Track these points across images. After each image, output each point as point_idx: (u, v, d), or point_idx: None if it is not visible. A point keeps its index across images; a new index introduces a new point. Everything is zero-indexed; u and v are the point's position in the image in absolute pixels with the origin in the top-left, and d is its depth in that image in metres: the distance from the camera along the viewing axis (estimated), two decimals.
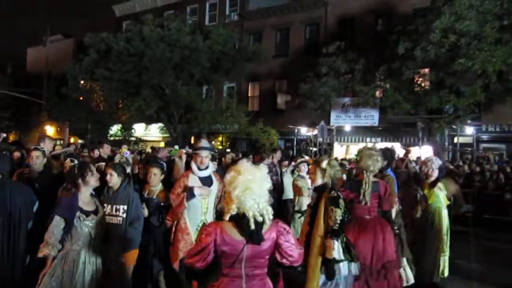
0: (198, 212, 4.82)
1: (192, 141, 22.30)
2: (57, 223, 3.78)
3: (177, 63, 19.43)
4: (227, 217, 2.72)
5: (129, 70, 19.45)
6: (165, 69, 19.25)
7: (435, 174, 6.07)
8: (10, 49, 40.69)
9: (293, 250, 2.77)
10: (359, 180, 4.96)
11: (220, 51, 19.87)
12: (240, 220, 2.66)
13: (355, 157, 5.21)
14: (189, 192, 4.73)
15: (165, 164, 5.82)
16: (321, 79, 18.33)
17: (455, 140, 18.28)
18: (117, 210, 4.54)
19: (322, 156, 5.31)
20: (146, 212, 5.00)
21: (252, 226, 2.63)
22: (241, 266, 2.68)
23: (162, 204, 5.16)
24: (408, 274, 5.13)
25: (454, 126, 17.39)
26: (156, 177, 5.25)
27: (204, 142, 5.07)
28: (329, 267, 4.22)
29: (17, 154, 7.17)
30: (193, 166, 4.92)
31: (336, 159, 15.40)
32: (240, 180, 2.66)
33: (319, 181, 4.65)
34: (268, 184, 2.76)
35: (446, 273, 5.92)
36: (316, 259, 4.34)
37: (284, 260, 2.78)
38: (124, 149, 8.32)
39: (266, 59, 21.88)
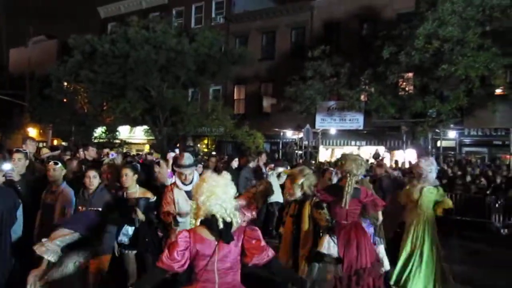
0: (187, 223, 4.80)
1: (178, 144, 22.20)
2: (75, 237, 3.80)
3: (163, 66, 19.33)
4: (198, 223, 2.92)
5: (114, 72, 19.27)
6: (150, 71, 19.14)
7: (431, 176, 5.98)
8: None
9: (258, 250, 2.87)
10: (340, 185, 5.01)
11: (206, 54, 19.82)
12: (209, 221, 2.81)
13: (339, 161, 5.25)
14: (174, 220, 4.73)
15: (138, 165, 5.75)
16: (306, 82, 18.43)
17: (438, 143, 18.50)
18: None
19: (295, 169, 5.46)
20: (141, 216, 4.91)
21: (221, 225, 2.78)
22: (214, 268, 2.79)
23: (150, 200, 5.11)
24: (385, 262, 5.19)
25: (437, 130, 17.62)
26: (128, 177, 5.04)
27: (187, 158, 4.96)
28: (318, 259, 4.52)
29: None
30: (178, 182, 4.94)
31: (322, 163, 15.48)
32: (204, 187, 2.82)
33: (298, 194, 4.87)
34: (232, 191, 2.91)
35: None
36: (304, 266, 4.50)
37: (250, 264, 2.89)
38: (107, 151, 8.26)
39: (252, 62, 21.89)
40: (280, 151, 22.24)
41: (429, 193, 5.88)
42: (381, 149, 19.34)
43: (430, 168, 5.94)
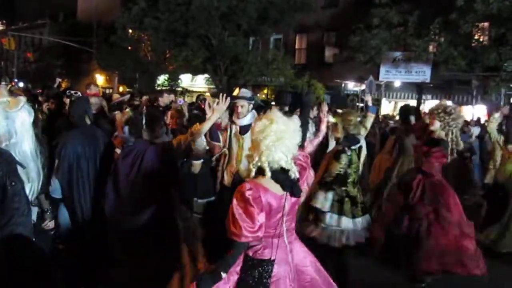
0: (232, 160, 4.80)
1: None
2: None
3: (224, 13, 19.19)
4: (253, 172, 2.59)
5: (176, 19, 19.43)
6: (212, 18, 19.08)
7: None
8: None
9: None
10: (438, 139, 4.81)
11: (268, 1, 19.41)
12: (280, 174, 2.57)
13: (437, 112, 4.93)
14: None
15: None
16: (372, 31, 17.61)
17: None
18: None
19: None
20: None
21: (293, 179, 2.61)
22: (283, 221, 2.64)
23: None
24: None
25: (511, 85, 16.47)
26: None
27: (243, 91, 4.93)
28: (316, 214, 4.51)
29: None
30: (234, 116, 4.87)
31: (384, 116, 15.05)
32: (273, 129, 2.51)
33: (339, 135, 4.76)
34: (298, 139, 2.65)
35: None
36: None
37: None
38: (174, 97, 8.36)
39: (315, 10, 21.19)
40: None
41: None
42: (448, 104, 18.46)
43: None
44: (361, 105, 18.92)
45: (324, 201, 4.38)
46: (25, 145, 2.50)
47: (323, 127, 5.06)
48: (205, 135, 4.42)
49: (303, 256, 2.83)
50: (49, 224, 3.64)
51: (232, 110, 5.05)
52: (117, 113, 5.60)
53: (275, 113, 2.62)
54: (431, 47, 17.54)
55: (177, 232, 4.03)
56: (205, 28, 19.57)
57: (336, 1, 23.47)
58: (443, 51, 16.27)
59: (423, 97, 19.81)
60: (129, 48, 24.56)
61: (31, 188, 2.52)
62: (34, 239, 2.30)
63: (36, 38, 38.92)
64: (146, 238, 3.77)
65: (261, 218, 2.47)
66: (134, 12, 20.65)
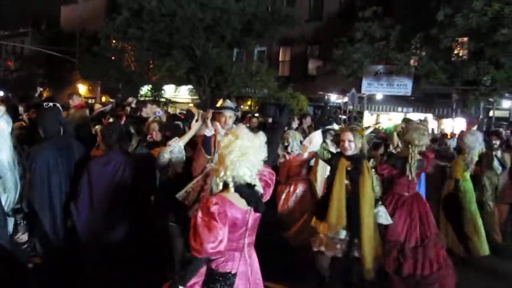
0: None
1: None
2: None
3: (209, 25, 19.25)
4: (220, 186, 2.62)
5: (160, 30, 19.42)
6: (196, 29, 19.12)
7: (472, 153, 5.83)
8: (44, 6, 41.04)
9: None
10: (403, 156, 4.83)
11: (252, 13, 19.53)
12: (245, 189, 2.59)
13: (401, 131, 5.02)
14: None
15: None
16: (354, 45, 17.86)
17: (491, 113, 17.69)
18: None
19: (355, 124, 5.12)
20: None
21: (258, 195, 2.64)
22: (245, 235, 2.67)
23: None
24: None
25: (490, 99, 16.79)
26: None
27: (228, 102, 4.87)
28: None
29: None
30: (218, 127, 4.65)
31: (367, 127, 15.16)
32: (237, 145, 2.54)
33: (358, 148, 4.51)
34: (263, 155, 2.66)
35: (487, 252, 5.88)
36: (370, 229, 4.31)
37: None
38: (155, 108, 8.28)
39: (299, 23, 21.40)
40: (325, 115, 21.94)
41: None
42: (429, 117, 18.74)
43: (474, 145, 5.81)
44: (344, 117, 19.09)
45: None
46: (2, 155, 2.46)
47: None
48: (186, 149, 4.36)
49: (258, 269, 2.87)
50: (22, 236, 3.53)
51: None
52: (98, 127, 5.54)
53: (241, 129, 2.66)
54: (412, 61, 17.82)
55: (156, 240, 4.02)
56: (189, 39, 19.62)
57: (320, 14, 23.74)
58: (424, 65, 16.56)
59: (404, 110, 20.05)
60: (113, 58, 24.44)
61: (8, 198, 2.48)
62: (11, 250, 2.25)
63: (18, 47, 38.44)
64: (126, 249, 3.72)
65: (223, 233, 2.48)
66: (118, 22, 20.58)
